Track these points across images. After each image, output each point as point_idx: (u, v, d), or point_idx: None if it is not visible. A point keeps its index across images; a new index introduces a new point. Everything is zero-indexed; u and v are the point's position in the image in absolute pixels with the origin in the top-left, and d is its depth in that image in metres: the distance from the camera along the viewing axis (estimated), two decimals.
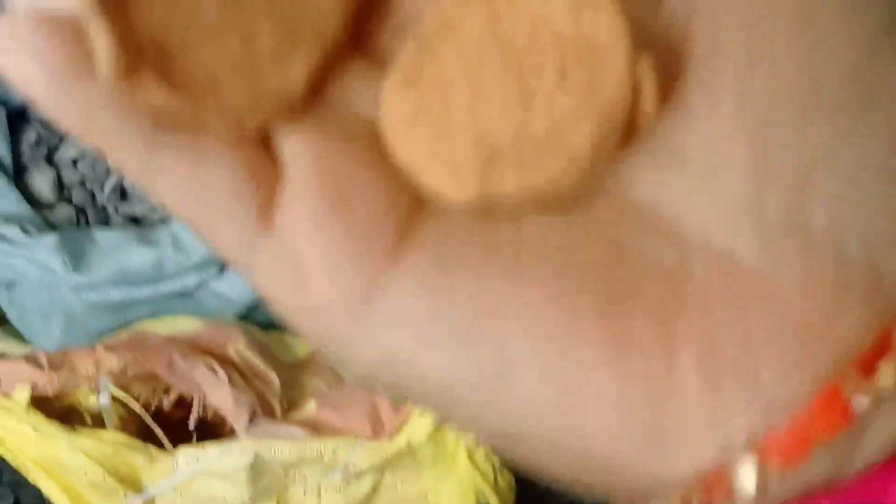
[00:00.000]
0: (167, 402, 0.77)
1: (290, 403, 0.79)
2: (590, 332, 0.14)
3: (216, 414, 0.82)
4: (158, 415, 0.78)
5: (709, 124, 0.14)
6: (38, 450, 0.67)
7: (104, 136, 0.15)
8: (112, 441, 0.68)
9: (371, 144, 0.15)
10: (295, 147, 0.15)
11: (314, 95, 0.15)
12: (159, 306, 0.86)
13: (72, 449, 0.66)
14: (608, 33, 0.14)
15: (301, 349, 0.88)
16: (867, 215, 0.13)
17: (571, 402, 0.14)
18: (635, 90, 0.14)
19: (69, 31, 0.13)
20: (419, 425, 0.69)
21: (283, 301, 0.15)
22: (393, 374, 0.15)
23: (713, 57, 0.14)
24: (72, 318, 0.87)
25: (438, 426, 0.69)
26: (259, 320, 0.90)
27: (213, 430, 0.88)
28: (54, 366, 0.68)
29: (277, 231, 0.15)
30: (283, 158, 0.15)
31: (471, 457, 0.70)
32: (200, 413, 0.78)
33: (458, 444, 0.70)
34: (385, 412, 0.74)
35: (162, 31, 0.14)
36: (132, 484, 0.70)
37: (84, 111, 0.14)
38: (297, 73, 0.15)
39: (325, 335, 0.15)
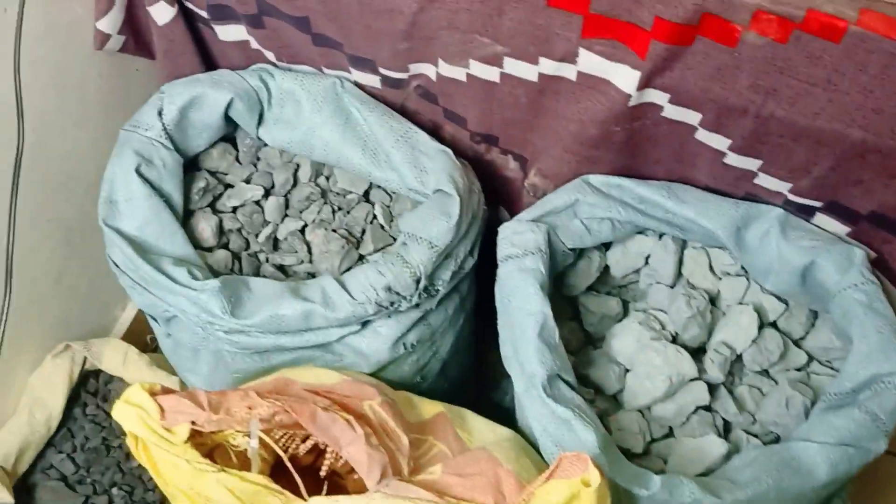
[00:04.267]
0: (302, 449, 0.81)
1: (416, 465, 0.82)
2: None
3: (343, 465, 0.86)
4: (290, 459, 0.83)
5: None
6: (189, 481, 0.72)
7: None
8: (255, 483, 0.72)
9: None
10: None
11: None
12: (300, 354, 0.92)
13: (219, 485, 0.71)
14: None
15: (427, 411, 0.91)
16: None
17: None
18: None
19: None
20: (545, 502, 0.71)
21: None
22: None
23: None
24: (220, 356, 0.94)
25: None
26: (389, 378, 0.95)
27: (336, 479, 0.92)
28: (213, 407, 0.73)
29: None
30: None
31: None
32: (331, 463, 0.82)
33: None
34: (508, 486, 0.77)
35: None
36: None
37: None
38: None
39: None
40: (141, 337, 1.24)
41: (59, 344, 1.10)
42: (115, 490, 1.07)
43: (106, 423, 1.12)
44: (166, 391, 0.73)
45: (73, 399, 1.12)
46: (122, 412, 0.72)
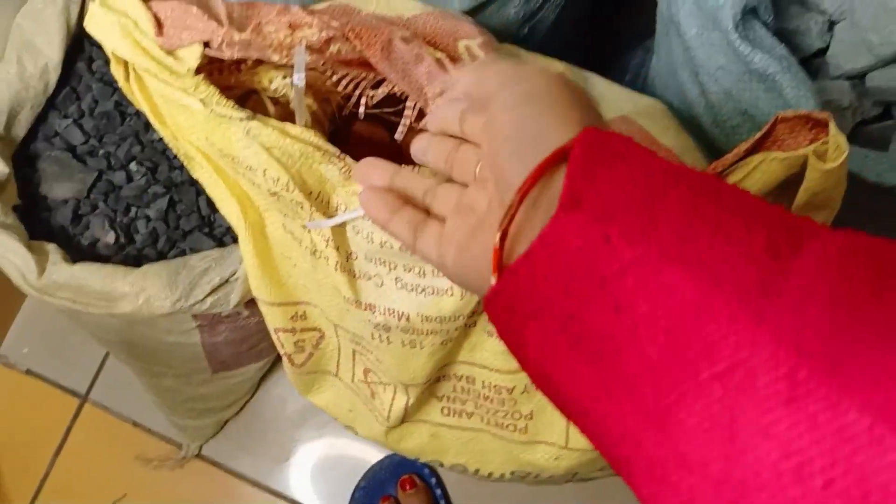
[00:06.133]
0: (369, 102, 0.56)
1: None
2: None
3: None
4: (353, 118, 0.59)
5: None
6: (205, 133, 0.49)
7: (396, 228, 0.40)
8: (302, 140, 0.49)
9: None
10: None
11: None
12: None
13: (250, 140, 0.48)
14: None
15: None
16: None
17: None
18: None
19: (384, 192, 0.42)
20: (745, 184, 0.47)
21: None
22: None
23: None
24: None
25: None
26: (488, 25, 0.68)
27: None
28: (237, 23, 0.47)
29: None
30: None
31: None
32: (412, 121, 0.58)
33: None
34: None
35: None
36: (318, 201, 0.52)
37: (391, 219, 0.41)
38: None
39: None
40: None
41: None
42: (133, 165, 0.87)
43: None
44: None
45: (76, 50, 0.88)
46: (99, 22, 0.47)
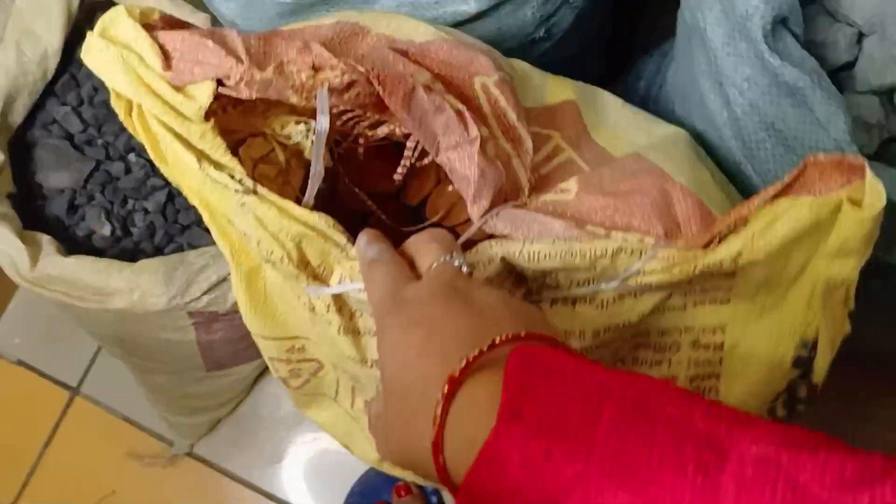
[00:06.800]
0: (367, 142, 0.53)
1: (539, 177, 0.54)
2: None
3: (427, 169, 0.58)
4: (349, 155, 0.56)
5: None
6: (197, 188, 0.46)
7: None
8: (304, 221, 0.45)
9: None
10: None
11: None
12: None
13: (244, 211, 0.45)
14: None
15: (552, 94, 0.60)
16: None
17: None
18: None
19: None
20: (759, 240, 0.43)
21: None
22: None
23: None
24: None
25: (786, 244, 0.43)
26: (501, 28, 0.65)
27: (415, 190, 0.64)
28: (256, 58, 0.44)
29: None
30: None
31: (814, 295, 0.45)
32: (412, 161, 0.54)
33: (802, 275, 0.45)
34: (685, 208, 0.49)
35: None
36: (320, 270, 0.48)
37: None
38: None
39: None
40: None
41: None
42: (132, 156, 0.84)
43: None
44: (170, 23, 0.45)
45: (76, 37, 0.85)
46: (97, 56, 0.44)
